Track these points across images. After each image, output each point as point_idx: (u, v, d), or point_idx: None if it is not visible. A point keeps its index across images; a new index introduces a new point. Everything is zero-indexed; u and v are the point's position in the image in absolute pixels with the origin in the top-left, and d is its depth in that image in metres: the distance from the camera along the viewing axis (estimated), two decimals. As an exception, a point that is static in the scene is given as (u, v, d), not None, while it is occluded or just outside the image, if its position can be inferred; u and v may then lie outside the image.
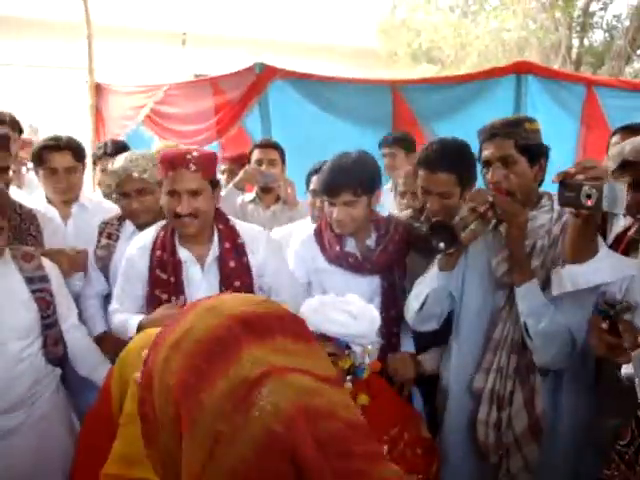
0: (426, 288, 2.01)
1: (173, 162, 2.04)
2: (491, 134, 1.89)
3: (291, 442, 0.65)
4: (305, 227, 2.71)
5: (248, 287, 2.15)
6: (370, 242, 2.31)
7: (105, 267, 2.51)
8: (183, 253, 2.16)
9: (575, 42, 10.42)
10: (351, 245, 2.32)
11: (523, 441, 1.85)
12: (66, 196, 2.81)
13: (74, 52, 5.56)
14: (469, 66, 9.72)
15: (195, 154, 2.05)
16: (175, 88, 4.83)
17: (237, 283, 2.14)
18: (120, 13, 7.79)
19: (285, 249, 2.45)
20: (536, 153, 1.87)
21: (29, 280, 2.07)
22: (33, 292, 2.06)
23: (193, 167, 2.02)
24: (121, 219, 2.56)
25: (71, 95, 5.47)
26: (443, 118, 4.07)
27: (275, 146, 3.40)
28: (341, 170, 2.18)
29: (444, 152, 2.14)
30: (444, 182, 2.13)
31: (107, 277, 2.53)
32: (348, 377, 1.78)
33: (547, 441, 1.87)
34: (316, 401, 0.68)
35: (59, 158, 2.69)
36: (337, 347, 1.74)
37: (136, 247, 2.23)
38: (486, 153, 1.91)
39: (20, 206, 2.48)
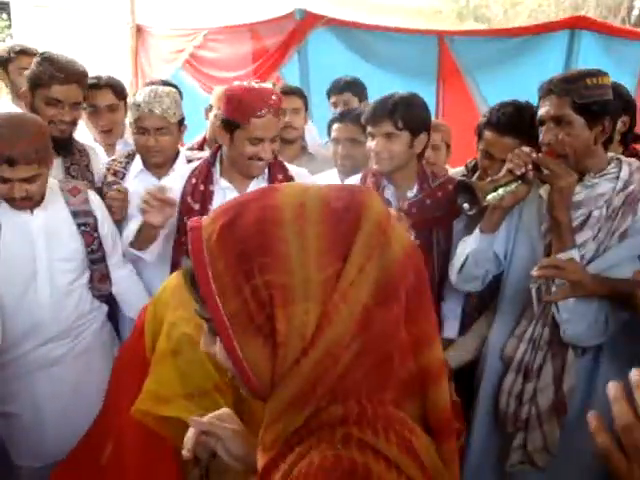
0: (466, 249, 1.95)
1: (261, 108, 2.05)
2: (547, 90, 1.76)
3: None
4: (332, 177, 2.66)
5: None
6: (410, 194, 2.22)
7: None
8: (223, 183, 2.19)
9: (638, 3, 9.90)
10: (389, 193, 2.24)
11: (545, 418, 1.79)
12: (109, 139, 2.81)
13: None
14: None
15: (275, 98, 2.09)
16: (215, 33, 4.74)
17: None
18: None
19: None
20: (598, 112, 1.70)
21: (74, 214, 2.10)
22: (78, 226, 2.10)
23: (276, 112, 2.09)
24: (129, 157, 2.53)
25: (112, 37, 5.43)
26: (489, 72, 3.93)
27: (298, 93, 3.25)
28: (386, 101, 2.13)
29: (517, 115, 2.02)
30: (510, 147, 2.00)
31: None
32: None
33: (575, 424, 1.79)
34: None
35: (100, 96, 2.68)
36: None
37: (175, 177, 2.27)
38: (541, 111, 1.78)
39: (79, 143, 2.50)
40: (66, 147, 2.37)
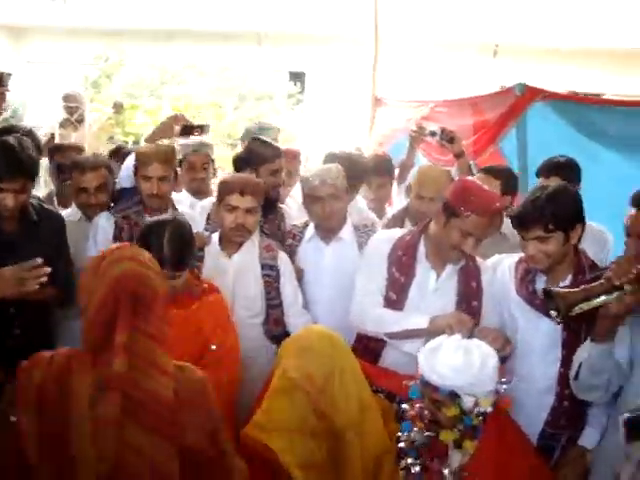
0: (579, 357, 1.81)
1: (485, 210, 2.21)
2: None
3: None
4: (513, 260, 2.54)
5: (478, 309, 2.28)
6: (563, 284, 2.07)
7: None
8: (425, 263, 2.33)
9: None
10: (541, 281, 2.12)
11: None
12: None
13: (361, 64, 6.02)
14: None
15: (499, 205, 2.36)
16: (441, 105, 4.84)
17: (475, 303, 2.29)
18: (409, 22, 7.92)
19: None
20: None
21: (262, 265, 2.56)
22: (263, 275, 2.55)
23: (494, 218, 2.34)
24: (305, 224, 2.84)
25: (355, 106, 5.95)
26: None
27: (496, 173, 3.15)
28: (532, 204, 2.04)
29: None
30: None
31: None
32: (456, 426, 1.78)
33: None
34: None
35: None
36: (441, 395, 1.77)
37: (380, 241, 2.45)
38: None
39: (280, 207, 3.03)
40: (268, 207, 2.83)
